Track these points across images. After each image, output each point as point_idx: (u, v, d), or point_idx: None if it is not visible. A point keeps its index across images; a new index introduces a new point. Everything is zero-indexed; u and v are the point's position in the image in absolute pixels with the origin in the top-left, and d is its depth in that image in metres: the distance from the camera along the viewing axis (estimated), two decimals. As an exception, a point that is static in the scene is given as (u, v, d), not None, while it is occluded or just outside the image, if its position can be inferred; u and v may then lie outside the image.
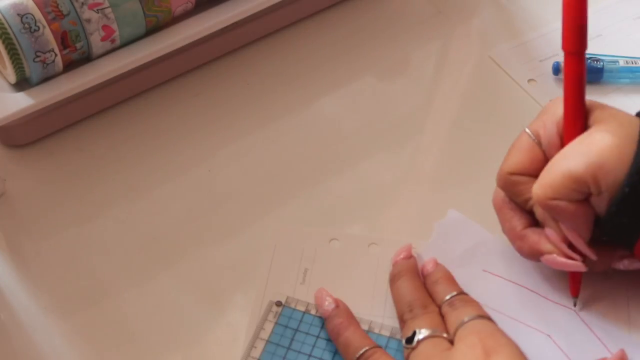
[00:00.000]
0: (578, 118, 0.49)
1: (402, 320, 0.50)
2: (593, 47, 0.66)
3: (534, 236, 0.50)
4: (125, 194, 0.58)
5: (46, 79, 0.58)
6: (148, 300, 0.53)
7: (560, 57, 0.66)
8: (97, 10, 0.57)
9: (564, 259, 0.49)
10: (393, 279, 0.52)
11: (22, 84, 0.58)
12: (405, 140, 0.62)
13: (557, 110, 0.50)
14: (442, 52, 0.69)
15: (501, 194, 0.52)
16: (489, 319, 0.49)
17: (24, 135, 0.60)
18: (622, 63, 0.65)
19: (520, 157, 0.50)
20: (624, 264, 0.50)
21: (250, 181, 0.59)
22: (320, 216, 0.57)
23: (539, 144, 0.50)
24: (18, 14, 0.55)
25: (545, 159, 0.50)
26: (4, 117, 0.56)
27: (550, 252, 0.50)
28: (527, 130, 0.51)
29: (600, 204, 0.47)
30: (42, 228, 0.57)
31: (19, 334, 0.52)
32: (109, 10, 0.58)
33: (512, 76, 0.65)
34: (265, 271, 0.54)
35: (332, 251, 0.55)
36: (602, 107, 0.50)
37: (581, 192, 0.47)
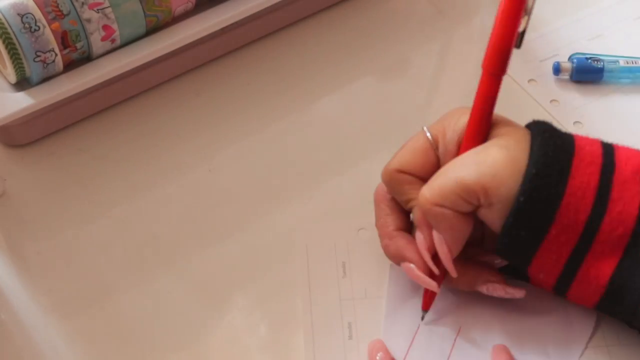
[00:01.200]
0: (480, 132, 0.49)
1: None
2: (593, 47, 0.66)
3: (402, 240, 0.50)
4: (125, 193, 0.58)
5: (46, 79, 0.58)
6: (148, 300, 0.53)
7: (560, 56, 0.66)
8: (98, 10, 0.57)
9: (420, 273, 0.49)
10: None
11: (23, 83, 0.58)
12: (405, 140, 0.62)
13: (461, 119, 0.49)
14: (442, 52, 0.69)
15: (384, 188, 0.52)
16: None
17: (24, 135, 0.60)
18: (622, 63, 0.65)
19: (413, 156, 0.50)
20: (487, 288, 0.50)
21: (250, 181, 0.59)
22: (320, 216, 0.57)
23: (436, 148, 0.50)
24: (18, 14, 0.55)
25: (438, 165, 0.49)
26: (4, 117, 0.56)
27: (411, 261, 0.49)
28: (426, 131, 0.50)
29: (492, 216, 0.47)
30: (42, 228, 0.57)
31: (19, 334, 0.52)
32: (109, 10, 0.58)
33: (512, 76, 0.65)
34: (305, 274, 0.53)
35: (364, 240, 0.55)
36: (505, 122, 0.49)
37: (469, 202, 0.46)
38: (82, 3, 0.57)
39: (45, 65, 0.57)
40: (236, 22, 0.63)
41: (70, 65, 0.59)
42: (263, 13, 0.65)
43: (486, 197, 0.46)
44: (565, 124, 0.62)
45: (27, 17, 0.55)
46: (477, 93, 0.48)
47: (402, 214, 0.51)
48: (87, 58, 0.60)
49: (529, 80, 0.65)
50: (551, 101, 0.64)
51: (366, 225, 0.55)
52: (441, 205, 0.47)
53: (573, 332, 0.51)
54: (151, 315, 0.52)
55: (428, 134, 0.50)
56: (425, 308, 0.51)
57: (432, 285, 0.49)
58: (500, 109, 0.64)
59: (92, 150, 0.61)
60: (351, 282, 0.53)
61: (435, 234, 0.48)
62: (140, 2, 0.59)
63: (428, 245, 0.49)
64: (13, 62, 0.56)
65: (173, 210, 0.58)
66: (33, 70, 0.57)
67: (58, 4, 0.56)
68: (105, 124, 0.62)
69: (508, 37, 0.46)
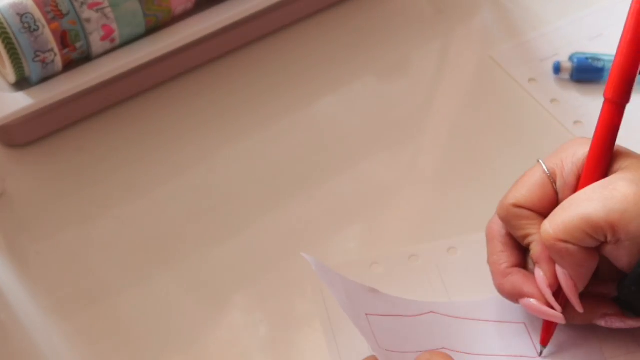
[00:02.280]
0: (602, 164, 0.47)
1: None
2: (594, 47, 0.66)
3: (518, 276, 0.48)
4: (125, 193, 0.58)
5: (46, 79, 0.58)
6: (148, 300, 0.53)
7: (560, 56, 0.66)
8: (97, 9, 0.57)
9: (544, 307, 0.47)
10: None
11: (22, 83, 0.58)
12: (405, 140, 0.62)
13: (578, 151, 0.48)
14: (442, 52, 0.69)
15: (498, 223, 0.50)
16: None
17: (24, 135, 0.60)
18: None
19: (530, 191, 0.48)
20: (606, 322, 0.49)
21: (250, 181, 0.59)
22: (319, 216, 0.57)
23: (554, 182, 0.48)
24: (17, 14, 0.55)
25: (557, 199, 0.48)
26: (3, 117, 0.56)
27: (531, 296, 0.48)
28: (542, 164, 0.49)
29: (618, 253, 0.45)
30: (42, 228, 0.57)
31: (19, 334, 0.52)
32: (108, 9, 0.58)
33: (512, 76, 0.65)
34: (326, 319, 0.51)
35: (378, 275, 0.53)
36: (629, 154, 0.48)
37: (595, 239, 0.45)
38: (82, 3, 0.57)
39: (44, 65, 0.57)
40: (236, 22, 0.63)
41: (70, 65, 0.59)
42: (263, 13, 0.65)
43: (614, 234, 0.44)
44: (565, 124, 0.62)
45: (26, 17, 0.55)
46: (599, 123, 0.47)
47: (515, 251, 0.49)
48: (86, 58, 0.60)
49: (529, 80, 0.65)
50: (551, 101, 0.64)
51: (377, 259, 0.54)
52: (566, 242, 0.45)
53: None
54: (151, 315, 0.52)
55: (544, 167, 0.48)
56: (544, 343, 0.50)
57: (558, 317, 0.47)
58: (500, 108, 0.64)
59: (91, 150, 0.61)
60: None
61: (559, 269, 0.46)
62: (140, 2, 0.59)
63: (549, 282, 0.47)
64: (12, 62, 0.56)
65: (173, 210, 0.58)
66: (32, 70, 0.57)
67: (57, 4, 0.56)
68: (104, 124, 0.62)
69: (633, 67, 0.46)
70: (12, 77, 0.57)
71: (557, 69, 0.65)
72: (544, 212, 0.47)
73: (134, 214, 0.57)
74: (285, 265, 0.54)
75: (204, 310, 0.53)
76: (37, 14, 0.56)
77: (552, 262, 0.47)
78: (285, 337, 0.52)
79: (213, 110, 0.63)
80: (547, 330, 0.50)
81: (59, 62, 0.58)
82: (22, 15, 0.55)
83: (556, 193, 0.48)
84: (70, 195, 0.58)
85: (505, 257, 0.49)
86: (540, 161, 0.49)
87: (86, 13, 0.57)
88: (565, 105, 0.63)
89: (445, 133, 0.63)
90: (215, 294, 0.53)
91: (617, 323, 0.48)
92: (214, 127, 0.62)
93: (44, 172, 0.60)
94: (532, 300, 0.48)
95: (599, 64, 0.64)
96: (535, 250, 0.48)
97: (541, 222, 0.47)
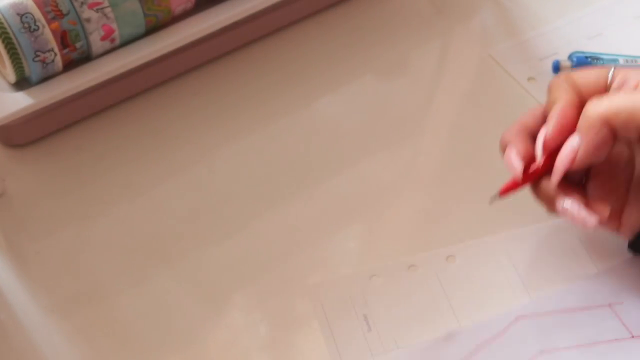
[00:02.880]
0: None
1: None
2: (593, 46, 0.66)
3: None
4: (125, 193, 0.58)
5: (46, 79, 0.58)
6: (148, 299, 0.53)
7: (559, 55, 0.66)
8: (97, 9, 0.57)
9: (511, 156, 0.49)
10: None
11: (22, 83, 0.58)
12: (405, 140, 0.62)
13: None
14: (442, 52, 0.69)
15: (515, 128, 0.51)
16: None
17: (24, 135, 0.60)
18: (622, 62, 0.64)
19: (588, 74, 0.50)
20: (570, 205, 0.48)
21: (250, 180, 0.59)
22: (319, 216, 0.57)
23: (611, 80, 0.49)
24: (17, 14, 0.55)
25: (605, 92, 0.49)
26: (3, 117, 0.56)
27: (511, 142, 0.50)
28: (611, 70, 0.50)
29: None
30: (42, 228, 0.57)
31: (19, 334, 0.52)
32: (108, 9, 0.58)
33: (512, 74, 0.65)
34: (329, 335, 0.51)
35: (378, 287, 0.53)
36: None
37: (633, 133, 0.46)
38: (82, 3, 0.57)
39: (44, 64, 0.57)
40: (236, 22, 0.63)
41: (70, 65, 0.59)
42: (263, 13, 0.65)
43: None
44: None
45: (26, 17, 0.55)
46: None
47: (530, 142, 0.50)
48: (86, 58, 0.60)
49: (529, 79, 0.65)
50: None
51: (376, 271, 0.54)
52: (608, 123, 0.46)
53: None
54: (151, 315, 0.52)
55: (611, 72, 0.49)
56: (502, 194, 0.50)
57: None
58: (499, 107, 0.64)
59: (91, 149, 0.61)
60: (378, 336, 0.51)
61: (573, 139, 0.47)
62: (140, 2, 0.59)
63: (549, 138, 0.48)
64: (12, 62, 0.56)
65: (173, 209, 0.58)
66: (32, 70, 0.57)
67: (57, 4, 0.56)
68: (104, 124, 0.62)
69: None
70: (12, 77, 0.57)
71: (557, 67, 0.65)
72: (586, 96, 0.48)
73: (134, 213, 0.57)
74: (284, 265, 0.54)
75: (204, 310, 0.53)
76: (37, 14, 0.56)
77: (562, 127, 0.48)
78: (284, 337, 0.52)
79: (213, 110, 0.63)
80: (511, 187, 0.50)
81: (59, 62, 0.58)
82: (22, 15, 0.55)
83: (607, 89, 0.49)
84: (70, 194, 0.58)
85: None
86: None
87: (86, 13, 0.57)
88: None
89: (444, 132, 0.63)
90: (215, 293, 0.53)
91: (580, 212, 0.48)
92: (213, 127, 0.62)
93: (44, 172, 0.60)
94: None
95: (599, 63, 0.64)
96: (556, 109, 0.49)
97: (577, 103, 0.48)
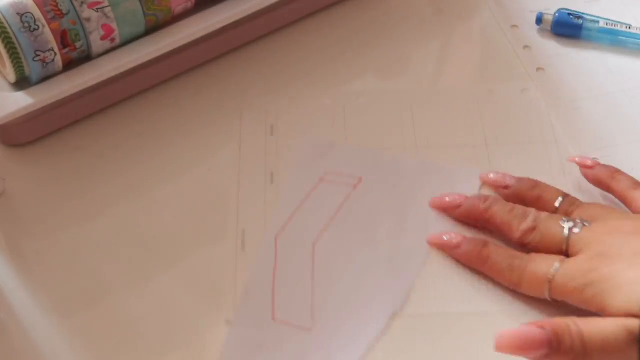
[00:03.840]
0: None
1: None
2: (587, 8, 0.68)
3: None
4: (125, 193, 0.58)
5: (46, 78, 0.58)
6: (148, 299, 0.53)
7: (551, 11, 0.67)
8: (97, 9, 0.57)
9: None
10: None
11: (22, 83, 0.58)
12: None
13: None
14: (441, 51, 0.69)
15: None
16: None
17: (24, 134, 0.60)
18: (602, 24, 0.66)
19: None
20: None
21: (250, 180, 0.59)
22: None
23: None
24: (17, 13, 0.55)
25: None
26: (3, 117, 0.56)
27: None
28: None
29: None
30: (42, 228, 0.57)
31: (19, 334, 0.52)
32: (108, 9, 0.58)
33: (497, 19, 0.67)
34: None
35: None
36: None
37: None
38: (82, 2, 0.57)
39: (44, 64, 0.57)
40: (236, 22, 0.63)
41: (70, 65, 0.59)
42: (263, 13, 0.65)
43: None
44: (528, 69, 0.64)
45: (26, 17, 0.55)
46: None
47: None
48: (86, 57, 0.60)
49: (512, 26, 0.68)
50: (524, 47, 0.66)
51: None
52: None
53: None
54: (151, 315, 0.52)
55: None
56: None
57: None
58: (473, 46, 0.66)
59: (91, 149, 0.61)
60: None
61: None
62: (140, 1, 0.59)
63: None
64: (12, 62, 0.56)
65: (173, 209, 0.57)
66: (32, 69, 0.57)
67: (57, 3, 0.56)
68: (104, 124, 0.62)
69: None
70: (12, 77, 0.57)
71: (539, 19, 0.67)
72: None
73: (134, 213, 0.57)
74: (285, 265, 0.54)
75: (204, 310, 0.53)
76: (37, 14, 0.56)
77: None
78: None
79: (212, 110, 0.63)
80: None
81: (59, 62, 0.58)
82: (22, 14, 0.55)
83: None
84: (70, 194, 0.58)
85: None
86: None
87: (86, 12, 0.57)
88: (535, 53, 0.66)
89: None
90: (215, 294, 0.53)
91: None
92: (213, 127, 0.62)
93: (44, 171, 0.60)
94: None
95: (579, 21, 0.66)
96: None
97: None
